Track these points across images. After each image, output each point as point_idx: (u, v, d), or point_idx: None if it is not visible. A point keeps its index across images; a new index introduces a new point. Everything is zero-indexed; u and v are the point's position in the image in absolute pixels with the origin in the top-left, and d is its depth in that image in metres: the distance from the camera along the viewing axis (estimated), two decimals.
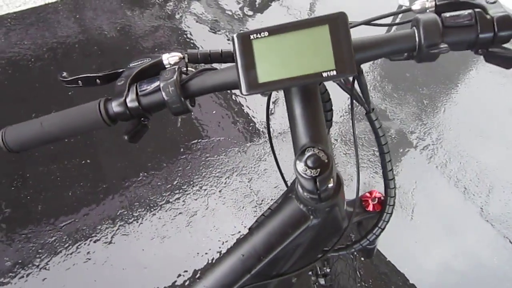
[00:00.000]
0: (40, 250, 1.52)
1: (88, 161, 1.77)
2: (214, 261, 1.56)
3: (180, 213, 1.66)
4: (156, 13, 2.46)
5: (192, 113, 1.98)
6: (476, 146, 2.13)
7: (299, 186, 0.54)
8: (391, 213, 0.71)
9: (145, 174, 1.76)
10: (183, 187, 1.73)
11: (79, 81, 0.58)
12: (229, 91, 2.11)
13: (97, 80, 0.58)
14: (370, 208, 0.73)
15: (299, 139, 0.49)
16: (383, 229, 0.71)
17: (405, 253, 1.70)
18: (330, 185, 0.48)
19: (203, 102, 2.06)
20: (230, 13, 2.59)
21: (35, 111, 1.87)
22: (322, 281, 1.22)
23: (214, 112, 2.03)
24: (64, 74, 0.60)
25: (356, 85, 0.62)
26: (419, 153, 2.06)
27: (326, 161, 0.47)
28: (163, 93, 0.51)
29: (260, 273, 0.62)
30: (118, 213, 1.64)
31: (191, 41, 2.34)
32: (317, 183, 0.47)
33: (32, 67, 2.04)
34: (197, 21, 2.48)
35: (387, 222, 0.71)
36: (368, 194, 0.74)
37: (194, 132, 1.93)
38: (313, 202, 0.53)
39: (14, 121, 0.62)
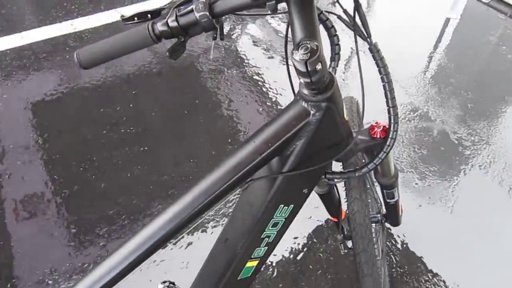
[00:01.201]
0: (98, 221, 1.71)
1: (146, 148, 1.98)
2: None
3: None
4: None
5: (240, 114, 2.15)
6: None
7: (300, 86, 0.67)
8: (395, 139, 0.80)
9: (195, 160, 1.93)
10: None
11: (135, 18, 0.74)
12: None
13: (149, 15, 0.74)
14: (377, 135, 0.83)
15: (296, 37, 0.62)
16: (387, 153, 0.80)
17: (440, 247, 1.71)
18: (319, 67, 0.60)
19: (247, 105, 2.22)
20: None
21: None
22: (349, 243, 1.29)
23: (258, 109, 2.19)
24: (122, 13, 0.77)
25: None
26: (462, 152, 2.07)
27: (315, 48, 0.59)
28: (195, 12, 0.66)
29: (271, 167, 0.74)
30: (169, 193, 1.81)
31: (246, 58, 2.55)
32: (308, 65, 0.59)
33: None
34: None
35: (391, 146, 0.80)
36: (374, 124, 0.84)
37: (239, 128, 2.09)
38: (310, 95, 0.66)
39: None
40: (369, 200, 1.18)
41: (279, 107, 2.22)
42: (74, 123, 2.08)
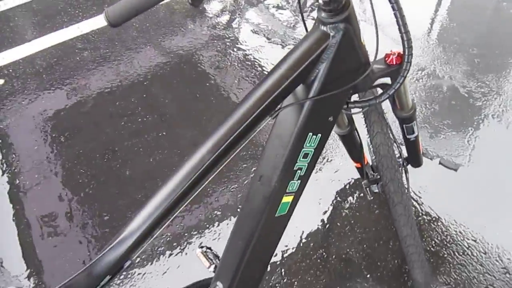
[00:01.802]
0: (129, 205, 1.77)
1: (164, 133, 2.04)
2: None
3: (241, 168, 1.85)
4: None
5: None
6: None
7: (318, 12, 0.72)
8: (410, 62, 0.84)
9: None
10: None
11: None
12: None
13: None
14: (393, 62, 0.87)
15: None
16: (404, 77, 0.84)
17: (461, 196, 1.75)
18: None
19: None
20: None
21: None
22: (374, 188, 1.33)
23: None
24: None
25: None
26: (473, 104, 2.09)
27: None
28: None
29: (297, 96, 0.79)
30: None
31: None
32: None
33: None
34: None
35: (408, 70, 0.84)
36: (389, 53, 0.88)
37: None
38: (328, 17, 0.70)
39: None
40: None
41: None
42: (92, 119, 2.14)
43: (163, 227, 0.76)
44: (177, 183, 0.75)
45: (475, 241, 1.61)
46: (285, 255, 1.59)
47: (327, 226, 1.65)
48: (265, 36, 2.59)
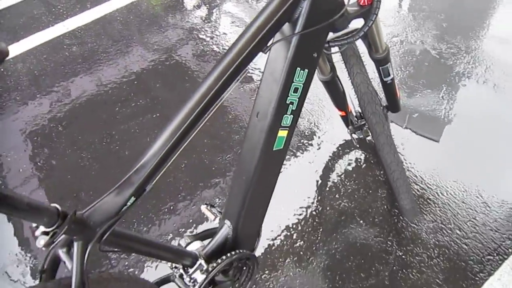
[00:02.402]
0: None
1: (158, 114, 2.14)
2: None
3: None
4: None
5: None
6: (500, 50, 2.29)
7: None
8: (380, 1, 0.97)
9: None
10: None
11: None
12: None
13: None
14: (365, 3, 1.00)
15: None
16: (376, 15, 0.97)
17: (440, 147, 1.89)
18: None
19: None
20: None
21: None
22: (359, 134, 1.46)
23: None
24: None
25: None
26: (444, 64, 2.24)
27: None
28: None
29: (284, 34, 0.90)
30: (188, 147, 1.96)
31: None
32: None
33: None
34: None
35: (378, 9, 0.96)
36: None
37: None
38: None
39: None
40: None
41: None
42: (87, 107, 2.23)
43: (176, 154, 0.88)
44: (187, 113, 0.86)
45: (455, 181, 1.75)
46: (281, 212, 1.71)
47: (319, 182, 1.78)
48: (244, 25, 2.71)
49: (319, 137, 1.94)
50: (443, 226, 1.61)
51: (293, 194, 1.75)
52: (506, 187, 1.70)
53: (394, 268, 1.51)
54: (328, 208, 1.71)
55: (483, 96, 2.07)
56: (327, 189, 1.76)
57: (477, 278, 1.47)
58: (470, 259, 1.52)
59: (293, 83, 0.96)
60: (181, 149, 0.89)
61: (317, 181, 1.79)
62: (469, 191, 1.71)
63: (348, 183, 1.77)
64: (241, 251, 1.11)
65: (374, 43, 1.14)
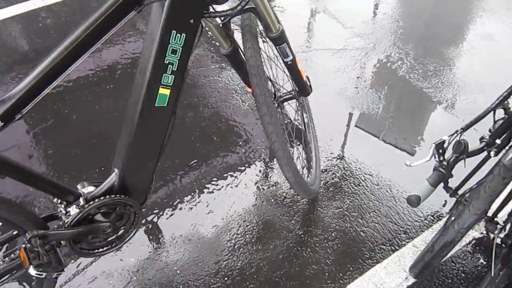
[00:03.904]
0: (73, 144, 1.98)
1: (112, 86, 2.25)
2: None
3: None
4: None
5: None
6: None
7: None
8: None
9: None
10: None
11: None
12: None
13: None
14: None
15: None
16: None
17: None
18: None
19: None
20: None
21: None
22: None
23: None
24: None
25: None
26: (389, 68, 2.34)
27: None
28: None
29: None
30: None
31: None
32: None
33: None
34: None
35: None
36: None
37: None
38: None
39: None
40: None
41: None
42: None
43: (45, 91, 0.98)
44: (55, 56, 0.97)
45: (371, 175, 1.83)
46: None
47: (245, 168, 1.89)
48: None
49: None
50: (347, 213, 1.70)
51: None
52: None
53: (291, 245, 1.60)
54: (245, 185, 1.80)
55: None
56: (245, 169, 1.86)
57: (364, 264, 1.55)
58: (364, 246, 1.60)
59: (170, 45, 1.06)
60: (52, 85, 0.99)
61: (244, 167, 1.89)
62: (381, 185, 1.80)
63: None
64: (122, 196, 1.20)
65: (266, 22, 1.23)
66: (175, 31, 1.05)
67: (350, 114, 2.10)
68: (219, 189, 1.78)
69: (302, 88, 1.52)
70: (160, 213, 1.69)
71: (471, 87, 2.25)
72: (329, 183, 1.80)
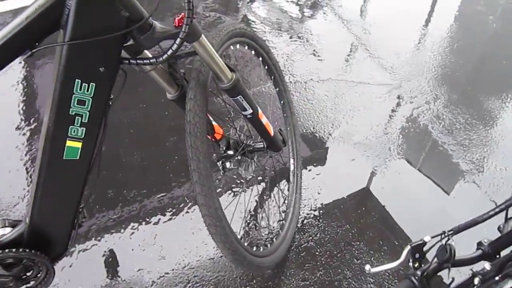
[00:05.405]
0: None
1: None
2: None
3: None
4: None
5: None
6: None
7: None
8: (189, 25, 0.86)
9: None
10: None
11: None
12: None
13: None
14: (177, 23, 0.89)
15: None
16: (182, 39, 0.86)
17: None
18: None
19: None
20: None
21: None
22: (228, 164, 1.33)
23: None
24: None
25: None
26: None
27: None
28: None
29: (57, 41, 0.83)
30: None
31: None
32: None
33: None
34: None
35: (186, 33, 0.86)
36: (178, 16, 0.90)
37: None
38: None
39: None
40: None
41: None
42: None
43: None
44: None
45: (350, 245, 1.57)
46: None
47: None
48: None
49: None
50: None
51: None
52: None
53: None
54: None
55: None
56: None
57: None
58: None
59: (74, 95, 0.88)
60: None
61: None
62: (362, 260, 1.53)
63: None
64: (26, 250, 1.05)
65: (214, 71, 1.02)
66: (79, 81, 0.87)
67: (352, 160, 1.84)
68: (177, 234, 1.59)
69: (271, 143, 1.29)
70: (105, 252, 1.53)
71: (506, 152, 1.89)
72: (302, 246, 1.56)
